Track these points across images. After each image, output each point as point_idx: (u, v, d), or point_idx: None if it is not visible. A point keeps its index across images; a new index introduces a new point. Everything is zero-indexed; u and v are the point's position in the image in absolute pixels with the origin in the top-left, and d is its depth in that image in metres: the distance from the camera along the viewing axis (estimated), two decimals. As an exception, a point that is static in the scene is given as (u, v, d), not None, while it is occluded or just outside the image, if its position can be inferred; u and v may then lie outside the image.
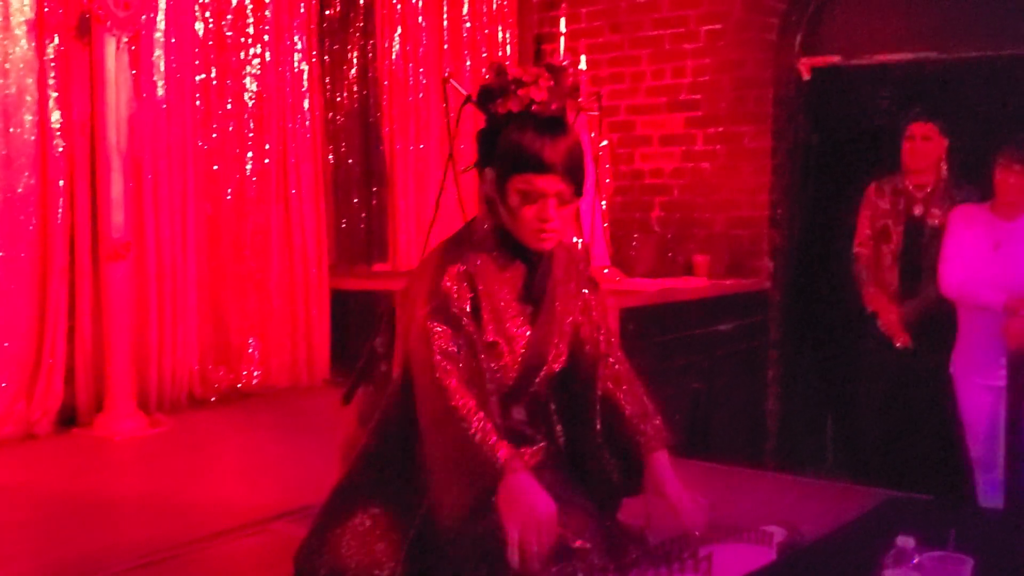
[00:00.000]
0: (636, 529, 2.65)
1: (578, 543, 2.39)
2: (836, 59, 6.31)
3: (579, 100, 2.40)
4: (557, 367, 2.61)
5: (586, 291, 2.72)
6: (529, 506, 2.20)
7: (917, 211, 5.05)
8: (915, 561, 1.98)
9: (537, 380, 2.59)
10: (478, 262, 2.46)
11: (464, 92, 2.57)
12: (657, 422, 2.66)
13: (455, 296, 2.39)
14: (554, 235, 2.47)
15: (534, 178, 2.39)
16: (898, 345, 5.09)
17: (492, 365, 2.46)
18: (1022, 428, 4.22)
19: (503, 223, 2.48)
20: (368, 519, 2.45)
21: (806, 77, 6.39)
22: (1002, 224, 4.49)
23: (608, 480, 2.64)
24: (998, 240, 4.48)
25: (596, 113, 5.86)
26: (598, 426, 2.63)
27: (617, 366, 2.71)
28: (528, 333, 2.53)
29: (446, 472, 2.28)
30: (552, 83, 2.44)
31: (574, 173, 2.43)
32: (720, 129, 6.52)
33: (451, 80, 2.58)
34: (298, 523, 3.20)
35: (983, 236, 4.52)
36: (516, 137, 2.41)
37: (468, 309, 2.40)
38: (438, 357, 2.31)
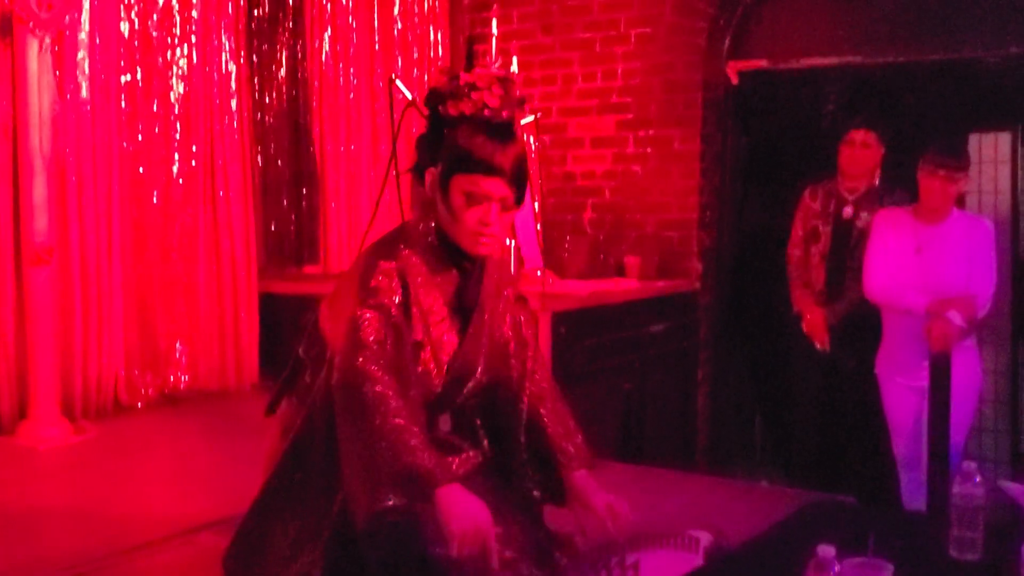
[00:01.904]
0: (565, 537, 2.66)
1: (506, 553, 2.39)
2: (763, 63, 6.38)
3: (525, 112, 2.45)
4: (485, 380, 2.61)
5: (515, 307, 2.73)
6: (471, 517, 2.19)
7: (846, 213, 5.14)
8: (836, 569, 2.01)
9: (465, 391, 2.59)
10: (409, 262, 2.44)
11: (409, 95, 2.56)
12: (579, 440, 2.67)
13: (385, 290, 2.37)
14: (493, 241, 2.48)
15: (481, 180, 2.40)
16: (818, 346, 5.17)
17: (418, 368, 2.45)
18: (943, 429, 4.30)
19: (441, 226, 2.47)
20: (291, 527, 2.43)
21: (734, 81, 6.45)
22: (924, 228, 4.56)
23: (530, 494, 2.64)
24: (920, 244, 4.55)
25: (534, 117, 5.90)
26: (523, 441, 2.64)
27: (542, 384, 2.71)
28: (456, 342, 2.52)
29: (372, 468, 2.20)
30: (503, 92, 2.46)
31: (519, 180, 2.45)
32: (650, 132, 6.56)
33: (397, 81, 2.58)
34: (226, 534, 3.16)
35: (906, 240, 4.59)
36: (466, 138, 2.42)
37: (398, 303, 2.38)
38: (368, 343, 2.28)
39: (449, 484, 2.21)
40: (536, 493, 2.64)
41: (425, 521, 2.23)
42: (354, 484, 2.24)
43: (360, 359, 2.27)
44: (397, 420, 2.22)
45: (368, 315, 2.32)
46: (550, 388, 2.72)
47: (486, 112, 2.46)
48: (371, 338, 2.30)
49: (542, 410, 2.67)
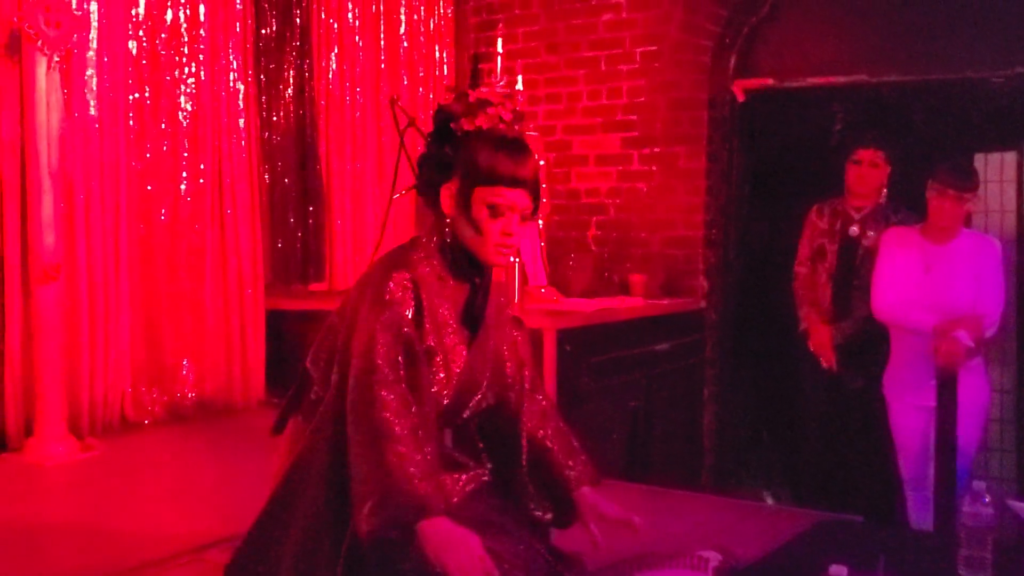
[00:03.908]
0: (573, 556, 2.65)
1: (515, 573, 2.38)
2: (769, 81, 6.40)
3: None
4: (491, 396, 2.62)
5: (513, 330, 2.74)
6: (464, 545, 2.18)
7: (853, 232, 5.15)
8: (847, 589, 2.01)
9: (471, 405, 2.59)
10: (422, 272, 2.47)
11: (409, 116, 2.57)
12: (583, 458, 2.68)
13: (399, 302, 2.38)
14: (512, 250, 2.54)
15: (505, 191, 2.44)
16: (824, 365, 5.17)
17: (431, 376, 2.46)
18: (950, 448, 4.29)
19: (461, 239, 2.50)
20: (294, 541, 2.42)
21: (741, 99, 6.46)
22: (932, 247, 4.57)
23: (534, 516, 2.64)
24: (929, 263, 4.56)
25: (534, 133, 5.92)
26: (524, 463, 2.64)
27: (542, 403, 2.73)
28: (465, 354, 2.53)
29: (374, 491, 2.22)
30: (513, 106, 2.50)
31: (536, 191, 2.51)
32: (656, 150, 6.57)
33: (398, 103, 2.59)
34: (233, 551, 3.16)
35: (914, 259, 4.59)
36: (487, 152, 2.45)
37: (410, 317, 2.39)
38: (383, 367, 2.29)
39: (437, 517, 2.20)
40: (539, 514, 2.64)
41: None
42: (355, 502, 2.25)
43: (371, 383, 2.28)
44: (400, 447, 2.22)
45: (382, 335, 2.32)
46: (550, 408, 2.74)
47: (502, 126, 2.49)
48: (384, 360, 2.30)
49: (543, 430, 2.68)
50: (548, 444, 2.66)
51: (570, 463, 2.64)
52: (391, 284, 2.40)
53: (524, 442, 2.65)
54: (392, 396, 2.27)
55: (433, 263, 2.50)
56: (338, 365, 2.45)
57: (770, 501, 5.99)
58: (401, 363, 2.32)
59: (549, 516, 2.64)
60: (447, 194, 2.49)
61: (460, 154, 2.48)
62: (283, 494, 2.49)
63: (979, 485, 2.62)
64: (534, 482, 2.65)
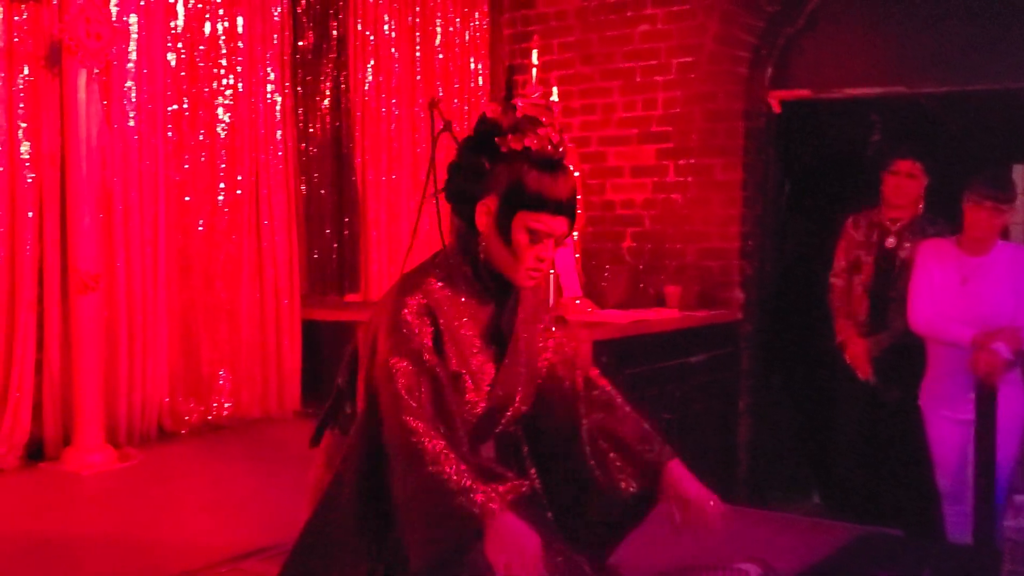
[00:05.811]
0: (612, 568, 2.64)
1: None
2: (806, 93, 6.36)
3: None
4: (525, 408, 2.59)
5: (555, 329, 2.70)
6: (518, 545, 2.17)
7: (889, 243, 5.12)
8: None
9: (504, 420, 2.57)
10: (439, 295, 2.43)
11: (445, 119, 2.52)
12: (659, 438, 2.64)
13: (415, 330, 2.36)
14: (541, 274, 2.48)
15: (548, 218, 2.40)
16: (860, 377, 5.14)
17: (459, 399, 2.44)
18: (989, 461, 4.25)
19: (490, 257, 2.45)
20: (333, 569, 2.42)
21: (777, 110, 6.43)
22: (969, 259, 4.53)
23: (618, 488, 2.60)
24: (965, 275, 4.52)
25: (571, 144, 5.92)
26: (591, 462, 2.60)
27: (602, 396, 2.68)
28: (493, 370, 2.50)
29: (419, 516, 2.23)
30: (559, 126, 2.46)
31: (574, 215, 2.47)
32: (691, 161, 6.55)
33: (438, 106, 2.53)
34: (270, 561, 3.18)
35: (951, 272, 4.56)
36: (535, 176, 2.39)
37: (429, 343, 2.37)
38: (404, 396, 2.28)
39: (496, 517, 2.18)
40: (624, 486, 2.59)
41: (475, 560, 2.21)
42: (407, 533, 2.26)
43: (398, 413, 2.28)
44: (435, 468, 2.21)
45: (399, 365, 2.32)
46: (615, 396, 2.69)
47: (549, 148, 2.43)
48: (404, 389, 2.30)
49: (612, 420, 2.64)
50: (621, 432, 2.62)
51: (648, 445, 2.61)
52: (405, 312, 2.37)
53: (586, 443, 2.62)
54: (417, 421, 2.26)
55: (455, 281, 2.46)
56: (364, 396, 2.45)
57: (805, 514, 5.94)
58: (423, 390, 2.31)
59: (626, 486, 2.59)
60: (483, 211, 2.43)
61: (502, 172, 2.41)
62: (314, 526, 2.48)
63: (1022, 500, 2.59)
64: (621, 456, 2.60)
